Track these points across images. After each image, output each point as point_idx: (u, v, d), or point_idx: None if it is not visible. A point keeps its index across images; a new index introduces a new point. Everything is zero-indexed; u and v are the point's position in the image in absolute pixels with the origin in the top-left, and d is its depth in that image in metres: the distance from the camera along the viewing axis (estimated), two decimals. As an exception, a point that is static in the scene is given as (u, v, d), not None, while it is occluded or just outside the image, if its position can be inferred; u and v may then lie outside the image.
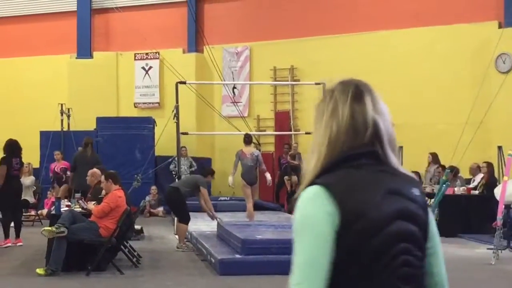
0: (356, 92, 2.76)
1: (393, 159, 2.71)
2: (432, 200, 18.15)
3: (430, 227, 2.77)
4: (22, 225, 16.96)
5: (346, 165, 2.62)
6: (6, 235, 16.06)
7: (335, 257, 2.50)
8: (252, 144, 19.31)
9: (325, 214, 2.50)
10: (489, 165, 19.30)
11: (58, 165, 21.94)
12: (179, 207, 16.03)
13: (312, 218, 2.51)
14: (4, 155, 16.38)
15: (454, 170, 19.14)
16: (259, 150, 24.31)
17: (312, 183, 2.60)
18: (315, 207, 2.52)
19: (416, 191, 2.69)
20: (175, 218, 17.16)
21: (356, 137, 2.67)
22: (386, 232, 2.55)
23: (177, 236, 16.18)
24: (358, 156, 2.64)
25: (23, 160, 16.76)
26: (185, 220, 15.81)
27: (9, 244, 15.94)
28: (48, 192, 22.34)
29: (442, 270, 2.82)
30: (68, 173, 21.10)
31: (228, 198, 23.02)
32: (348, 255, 2.51)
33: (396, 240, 2.57)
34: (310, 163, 2.69)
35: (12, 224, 16.19)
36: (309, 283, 2.47)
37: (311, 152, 2.72)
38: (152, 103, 27.77)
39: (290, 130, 25.19)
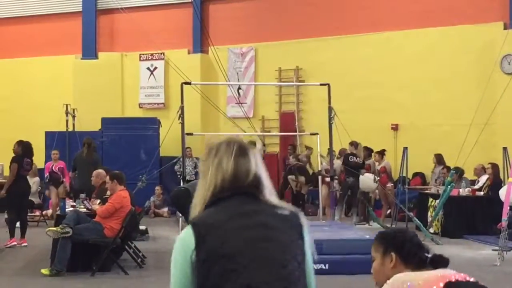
0: (240, 149, 3.29)
1: (272, 199, 3.28)
2: (437, 201, 18.16)
3: (304, 238, 3.30)
4: (27, 226, 16.99)
5: (217, 203, 3.19)
6: (12, 235, 16.08)
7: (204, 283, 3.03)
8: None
9: (187, 255, 3.08)
10: (494, 166, 19.27)
11: (56, 165, 21.36)
12: (187, 209, 15.95)
13: (177, 261, 3.14)
14: (15, 154, 16.48)
15: (459, 171, 19.11)
16: (264, 151, 24.37)
17: (191, 220, 3.19)
18: (181, 251, 3.13)
19: (284, 211, 3.26)
20: (180, 219, 17.18)
21: (236, 183, 3.21)
22: (238, 239, 3.06)
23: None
24: (231, 196, 3.19)
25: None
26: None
27: (14, 243, 15.95)
28: (46, 191, 21.98)
29: (311, 282, 3.45)
30: (70, 173, 20.98)
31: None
32: (206, 269, 3.03)
33: (249, 246, 3.06)
34: (196, 207, 3.28)
35: (18, 224, 16.22)
36: None
37: (197, 198, 3.28)
38: (157, 103, 27.78)
39: (295, 131, 25.17)
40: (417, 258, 3.82)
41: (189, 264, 3.06)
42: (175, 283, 3.13)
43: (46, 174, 21.54)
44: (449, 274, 3.60)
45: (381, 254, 3.91)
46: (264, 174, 3.30)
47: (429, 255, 3.82)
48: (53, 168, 21.22)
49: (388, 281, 3.65)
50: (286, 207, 3.31)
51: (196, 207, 3.26)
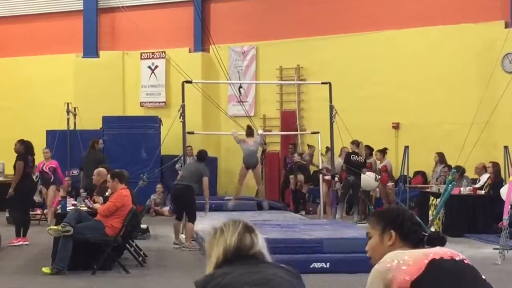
0: (245, 227, 3.58)
1: (273, 268, 3.53)
2: (438, 200, 18.14)
3: None
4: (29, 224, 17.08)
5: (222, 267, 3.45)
6: (17, 234, 16.11)
7: None
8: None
9: None
10: (495, 165, 19.27)
11: (47, 164, 20.17)
12: (192, 205, 15.96)
13: None
14: (17, 153, 16.55)
15: (460, 170, 19.11)
16: (265, 150, 24.36)
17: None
18: None
19: (279, 266, 3.54)
20: (182, 217, 17.20)
21: (240, 253, 3.48)
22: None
23: (183, 236, 16.15)
24: (232, 262, 3.46)
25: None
26: (193, 219, 15.80)
27: (21, 243, 15.93)
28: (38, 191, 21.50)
29: None
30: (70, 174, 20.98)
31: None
32: None
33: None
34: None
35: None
36: None
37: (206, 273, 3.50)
38: (158, 102, 27.79)
39: (296, 130, 25.18)
40: (415, 237, 3.84)
41: None
42: None
43: (37, 174, 21.07)
44: (438, 251, 3.64)
45: (379, 232, 3.91)
46: (268, 256, 3.57)
47: (427, 234, 3.85)
48: (44, 168, 20.16)
49: (382, 258, 3.68)
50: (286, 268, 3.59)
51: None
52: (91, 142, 21.14)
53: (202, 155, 16.83)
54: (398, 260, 3.56)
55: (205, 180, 16.12)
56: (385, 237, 3.90)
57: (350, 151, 20.63)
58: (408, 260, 3.55)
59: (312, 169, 23.41)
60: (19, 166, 16.21)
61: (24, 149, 16.46)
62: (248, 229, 3.57)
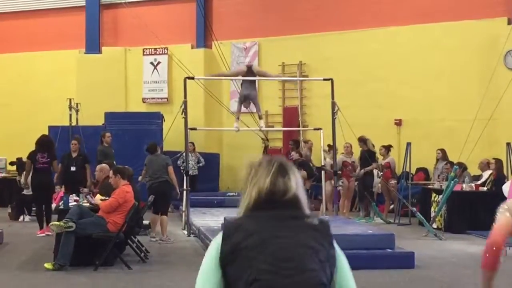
0: (280, 167, 3.36)
1: (307, 211, 3.33)
2: (441, 196, 18.15)
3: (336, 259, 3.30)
4: (32, 220, 17.51)
5: (251, 214, 3.28)
6: (40, 226, 17.08)
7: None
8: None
9: (216, 252, 3.22)
10: (498, 162, 19.27)
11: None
12: (169, 199, 17.07)
13: (207, 255, 3.26)
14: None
15: (462, 167, 19.12)
16: (268, 146, 24.31)
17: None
18: (212, 246, 3.26)
19: (308, 223, 3.27)
20: (183, 213, 17.25)
21: (272, 199, 3.27)
22: (255, 267, 3.11)
23: (157, 229, 16.49)
24: (259, 207, 3.27)
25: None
26: (167, 211, 16.71)
27: (43, 234, 16.71)
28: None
29: None
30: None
31: (236, 194, 22.95)
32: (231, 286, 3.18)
33: (265, 272, 3.10)
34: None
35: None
36: None
37: (239, 209, 3.35)
38: (161, 98, 27.80)
39: (299, 126, 25.15)
40: None
41: (216, 259, 3.20)
42: (200, 275, 3.27)
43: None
44: None
45: None
46: (303, 195, 3.35)
47: None
48: None
49: None
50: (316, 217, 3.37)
51: (239, 212, 3.37)
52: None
53: (154, 147, 17.19)
54: None
55: (170, 168, 16.76)
56: None
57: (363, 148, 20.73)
58: None
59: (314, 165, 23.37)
60: (28, 165, 17.34)
61: (35, 146, 17.24)
62: (283, 171, 3.36)
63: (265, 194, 3.27)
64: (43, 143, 17.25)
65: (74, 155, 18.41)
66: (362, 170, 20.43)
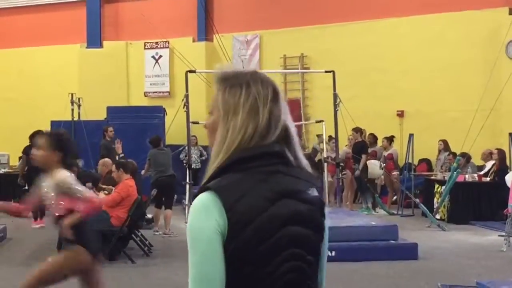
0: (274, 92, 2.66)
1: (303, 160, 2.68)
2: (443, 187, 18.15)
3: (325, 230, 2.71)
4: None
5: (241, 166, 2.53)
6: (34, 217, 17.59)
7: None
8: None
9: (216, 226, 2.45)
10: (501, 152, 19.26)
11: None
12: (174, 194, 17.41)
13: (204, 231, 2.45)
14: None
15: (466, 156, 19.12)
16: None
17: (206, 185, 2.52)
18: (207, 219, 2.46)
19: (313, 192, 2.65)
20: (186, 207, 17.28)
21: (264, 138, 2.58)
22: (274, 238, 2.50)
23: (160, 223, 16.59)
24: (257, 157, 2.55)
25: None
26: (171, 205, 16.69)
27: (37, 226, 17.26)
28: None
29: (323, 277, 2.76)
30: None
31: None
32: (234, 266, 2.47)
33: (284, 246, 2.52)
34: (214, 161, 2.60)
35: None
36: None
37: (218, 146, 2.59)
38: (162, 92, 27.79)
39: (300, 119, 25.14)
40: None
41: (218, 235, 2.46)
42: (203, 260, 2.46)
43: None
44: None
45: None
46: (292, 124, 2.71)
47: None
48: None
49: None
50: (314, 181, 2.69)
51: (219, 156, 2.58)
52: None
53: (157, 140, 17.59)
54: None
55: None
56: None
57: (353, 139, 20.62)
58: None
59: (317, 158, 23.35)
60: (22, 162, 17.98)
61: (29, 141, 17.18)
62: (277, 95, 2.66)
63: (261, 130, 2.57)
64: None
65: None
66: (363, 162, 20.32)
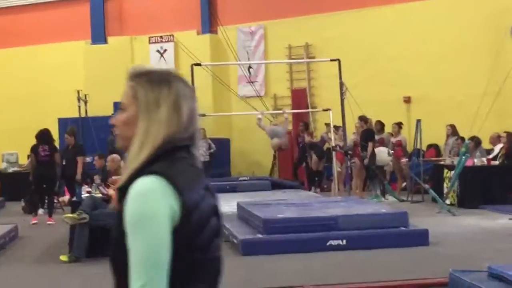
0: (193, 92, 2.75)
1: (198, 153, 2.77)
2: (453, 172, 18.12)
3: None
4: (45, 213, 18.05)
5: (170, 157, 2.56)
6: (34, 213, 17.70)
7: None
8: None
9: (169, 210, 2.43)
10: (509, 135, 19.21)
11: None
12: None
13: (155, 213, 2.42)
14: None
15: (475, 140, 19.07)
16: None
17: (143, 172, 2.49)
18: (158, 200, 2.43)
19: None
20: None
21: (185, 131, 2.64)
22: (209, 226, 2.55)
23: None
24: (182, 148, 2.62)
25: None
26: None
27: (35, 222, 17.28)
28: None
29: None
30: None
31: (248, 178, 22.97)
32: (182, 252, 2.45)
33: (214, 235, 2.59)
34: (138, 152, 2.58)
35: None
36: (154, 285, 2.39)
37: (141, 137, 2.58)
38: (168, 86, 27.78)
39: (307, 108, 25.12)
40: None
41: (169, 220, 2.44)
42: (157, 243, 2.41)
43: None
44: None
45: None
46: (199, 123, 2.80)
47: None
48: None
49: None
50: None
51: (144, 147, 2.57)
52: None
53: None
54: None
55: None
56: None
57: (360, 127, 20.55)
58: None
59: (325, 146, 23.33)
60: (32, 159, 17.68)
61: (36, 139, 17.44)
62: (195, 95, 2.77)
63: (183, 125, 2.64)
64: (42, 136, 17.46)
65: (69, 148, 18.58)
66: (370, 149, 20.23)
